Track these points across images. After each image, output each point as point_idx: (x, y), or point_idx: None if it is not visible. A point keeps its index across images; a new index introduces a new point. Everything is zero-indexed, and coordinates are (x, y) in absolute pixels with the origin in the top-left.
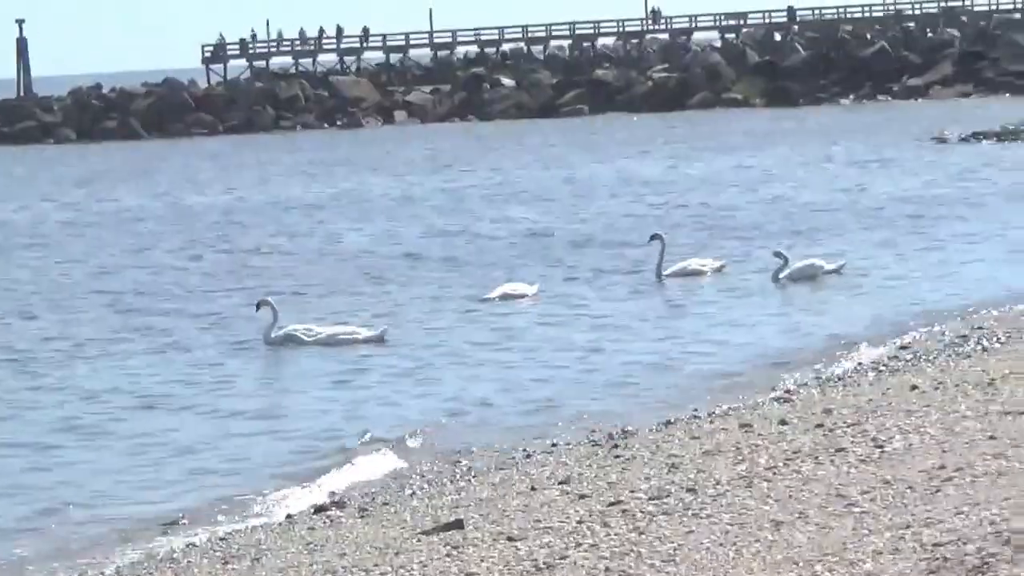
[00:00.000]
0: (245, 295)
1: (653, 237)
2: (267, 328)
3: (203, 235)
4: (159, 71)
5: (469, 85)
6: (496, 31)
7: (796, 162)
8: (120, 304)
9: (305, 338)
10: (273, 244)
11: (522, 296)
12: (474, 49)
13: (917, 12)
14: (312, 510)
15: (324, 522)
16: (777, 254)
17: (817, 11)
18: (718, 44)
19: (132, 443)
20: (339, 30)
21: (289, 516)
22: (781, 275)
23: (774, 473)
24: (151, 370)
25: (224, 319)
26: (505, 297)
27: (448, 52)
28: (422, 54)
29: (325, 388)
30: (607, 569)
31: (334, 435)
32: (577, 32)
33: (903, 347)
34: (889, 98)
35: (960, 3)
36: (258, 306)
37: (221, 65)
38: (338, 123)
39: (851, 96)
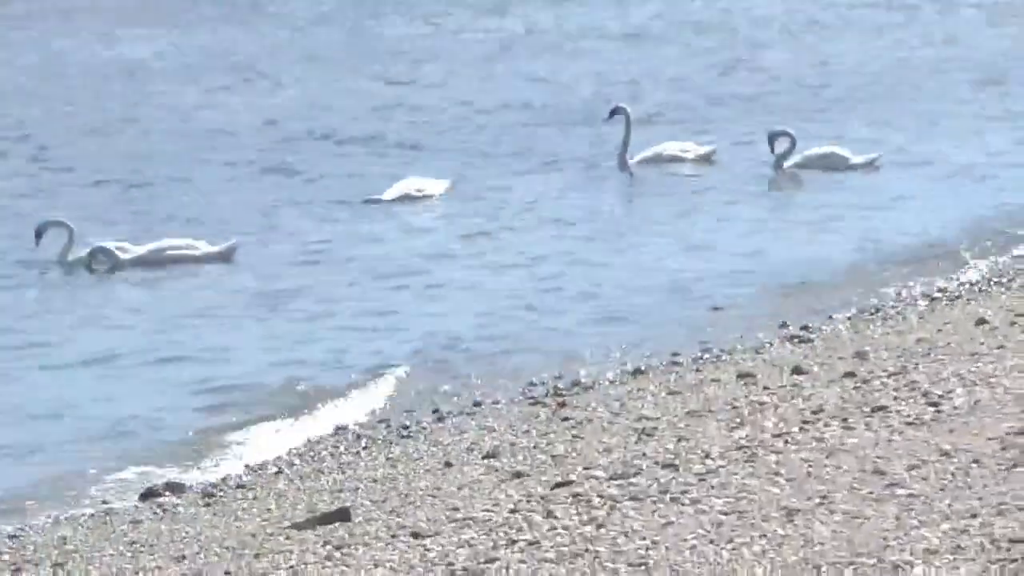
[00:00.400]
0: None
1: (615, 112)
2: (64, 248)
3: None
4: None
5: None
6: None
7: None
8: None
9: (122, 256)
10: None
11: (428, 196)
12: None
13: None
14: (138, 497)
15: (154, 513)
16: (778, 134)
17: None
18: None
19: None
20: None
21: (106, 505)
22: (787, 162)
23: (786, 442)
24: None
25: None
26: (405, 198)
27: None
28: None
29: (152, 327)
30: None
31: (162, 394)
32: None
33: (963, 265)
34: None
35: None
36: (39, 233)
37: None
38: None
39: None
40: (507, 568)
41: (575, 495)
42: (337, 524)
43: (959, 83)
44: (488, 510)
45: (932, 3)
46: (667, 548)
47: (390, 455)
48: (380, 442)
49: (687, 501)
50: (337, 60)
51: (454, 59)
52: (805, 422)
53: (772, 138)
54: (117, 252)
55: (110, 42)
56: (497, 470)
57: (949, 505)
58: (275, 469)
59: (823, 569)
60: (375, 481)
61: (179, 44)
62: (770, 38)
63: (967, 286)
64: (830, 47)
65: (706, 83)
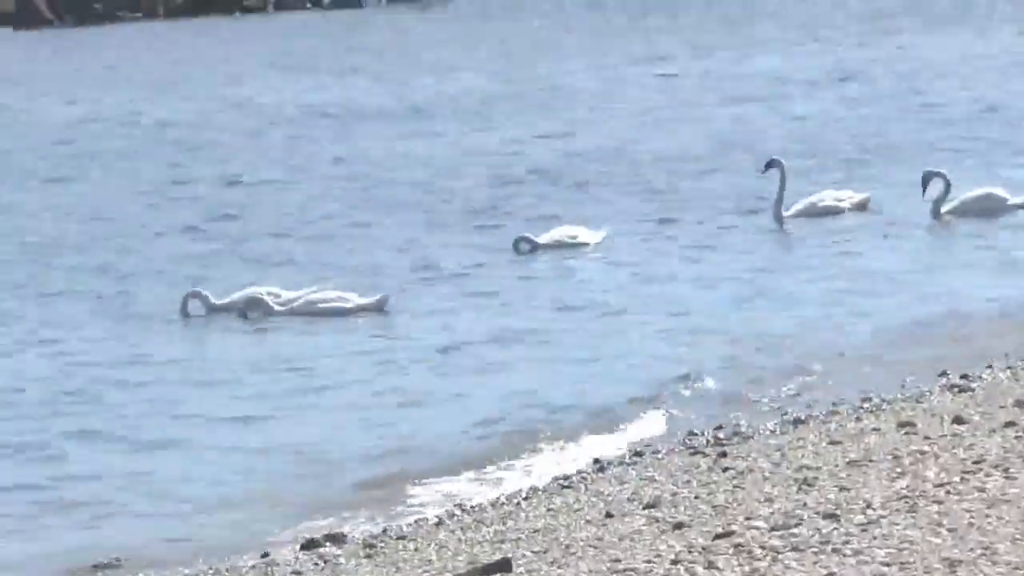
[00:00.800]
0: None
1: (770, 164)
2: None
3: (153, 163)
4: None
5: None
6: None
7: (972, 48)
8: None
9: (275, 306)
10: (236, 175)
11: (583, 244)
12: None
13: None
14: (299, 547)
15: (315, 564)
16: (933, 175)
17: None
18: None
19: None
20: None
21: (267, 556)
22: (944, 207)
23: (947, 492)
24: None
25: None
26: (559, 244)
27: None
28: None
29: (304, 376)
30: None
31: (320, 446)
32: None
33: None
34: None
35: None
36: (185, 304)
37: None
38: (325, 1)
39: None
40: None
41: (736, 546)
42: (498, 575)
43: None
44: (649, 561)
45: None
46: None
47: (551, 506)
48: (541, 492)
49: (849, 552)
50: (495, 106)
51: (619, 103)
52: (967, 472)
53: (926, 179)
54: (268, 300)
55: (284, 87)
56: (658, 520)
57: None
58: (436, 520)
59: None
60: (536, 532)
61: (341, 90)
62: (927, 83)
63: None
64: (995, 91)
65: (860, 128)
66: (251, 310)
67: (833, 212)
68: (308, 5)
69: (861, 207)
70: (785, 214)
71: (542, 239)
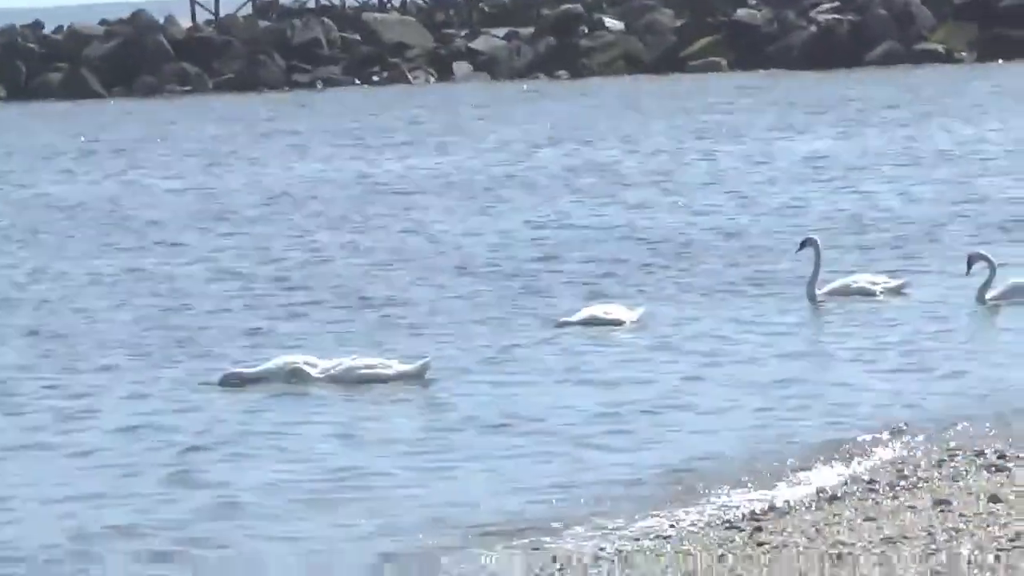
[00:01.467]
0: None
1: (805, 243)
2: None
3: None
4: (124, 3)
5: (559, 28)
6: None
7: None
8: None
9: (312, 373)
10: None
11: (618, 323)
12: None
13: None
14: None
15: None
16: (977, 257)
17: None
18: None
19: None
20: None
21: None
22: (988, 294)
23: (981, 569)
24: None
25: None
26: (593, 322)
27: None
28: None
29: (353, 453)
30: None
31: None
32: None
33: None
34: None
35: None
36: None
37: None
38: (375, 79)
39: None
40: None
41: None
42: None
43: None
44: None
45: None
46: None
47: None
48: (575, 565)
49: None
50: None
51: (655, 181)
52: (1001, 550)
53: (971, 261)
54: (307, 369)
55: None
56: None
57: None
58: None
59: None
60: None
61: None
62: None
63: None
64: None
65: (899, 210)
66: (290, 379)
67: (866, 294)
68: (356, 81)
69: (896, 292)
70: (818, 292)
71: (578, 316)
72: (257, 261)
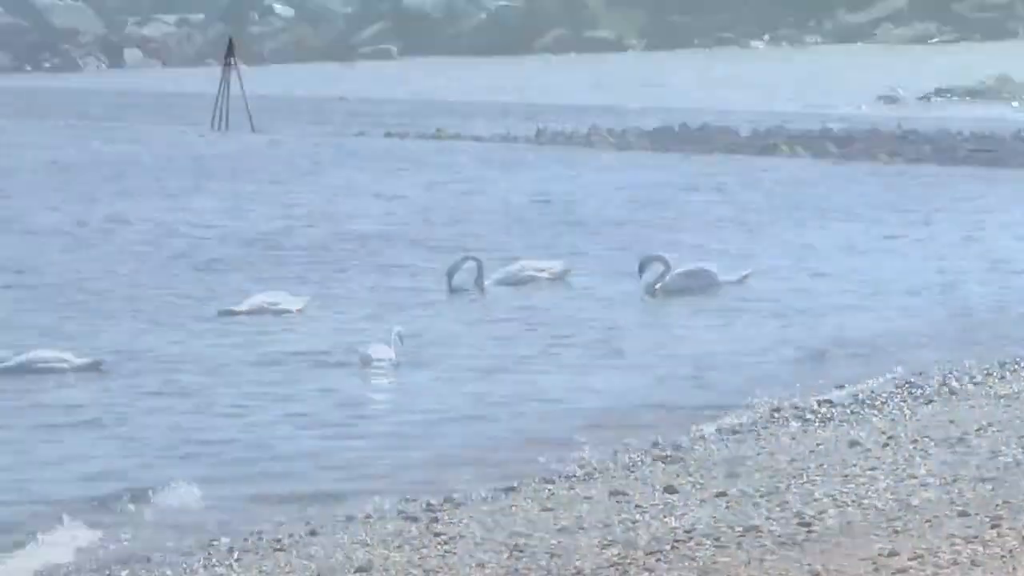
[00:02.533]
0: None
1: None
2: None
3: None
4: None
5: (230, 14)
6: None
7: None
8: None
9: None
10: None
11: (285, 311)
12: None
13: None
14: None
15: None
16: (652, 259)
17: None
18: None
19: None
20: None
21: None
22: (659, 284)
23: (657, 559)
24: None
25: None
26: (260, 311)
27: None
28: None
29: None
30: None
31: None
32: None
33: (838, 386)
34: (819, 39)
35: None
36: None
37: None
38: (46, 65)
39: (766, 36)
40: None
41: None
42: None
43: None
44: None
45: None
46: None
47: (262, 570)
48: (252, 550)
49: None
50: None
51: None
52: (678, 541)
53: (644, 265)
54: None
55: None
56: None
57: None
58: None
59: None
60: None
61: None
62: None
63: (839, 407)
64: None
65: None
66: None
67: (533, 281)
68: (27, 68)
69: (561, 277)
70: (486, 283)
71: (243, 306)
72: None
